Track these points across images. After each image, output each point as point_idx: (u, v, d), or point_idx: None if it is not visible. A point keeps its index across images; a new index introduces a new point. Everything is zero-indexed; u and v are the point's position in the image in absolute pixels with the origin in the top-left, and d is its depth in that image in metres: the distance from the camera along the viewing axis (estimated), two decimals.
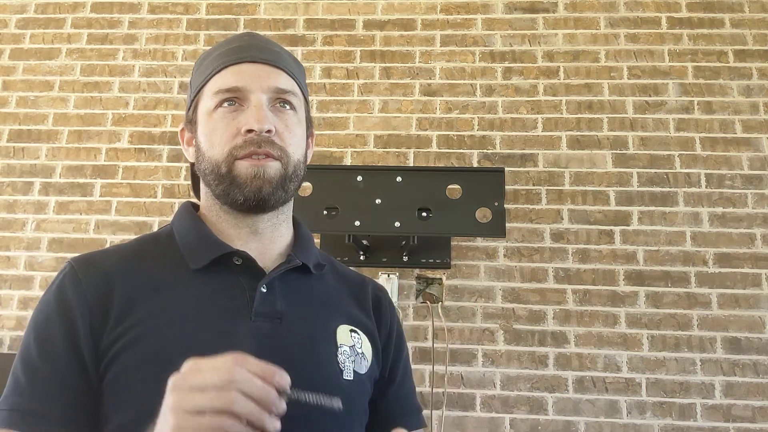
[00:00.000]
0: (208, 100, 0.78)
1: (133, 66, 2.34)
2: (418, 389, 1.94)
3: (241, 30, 2.35)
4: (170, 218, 0.86)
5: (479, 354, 1.99)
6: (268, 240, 0.80)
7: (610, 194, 2.10)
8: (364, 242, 2.03)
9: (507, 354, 1.98)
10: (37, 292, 2.09)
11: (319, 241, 2.05)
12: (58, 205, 2.20)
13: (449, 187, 1.85)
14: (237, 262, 0.76)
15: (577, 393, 1.93)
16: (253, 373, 0.53)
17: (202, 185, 0.82)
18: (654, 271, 2.03)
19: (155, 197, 2.19)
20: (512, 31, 2.29)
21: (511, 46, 2.28)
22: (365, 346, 0.80)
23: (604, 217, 2.09)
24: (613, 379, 1.94)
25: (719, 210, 2.07)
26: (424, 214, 1.83)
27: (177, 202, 2.17)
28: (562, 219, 2.09)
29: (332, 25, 2.34)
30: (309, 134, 0.86)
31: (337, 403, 0.59)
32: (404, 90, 2.25)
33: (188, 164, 2.22)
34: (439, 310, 2.02)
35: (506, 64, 2.25)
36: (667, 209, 2.08)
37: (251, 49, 0.79)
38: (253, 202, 0.75)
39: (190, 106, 0.82)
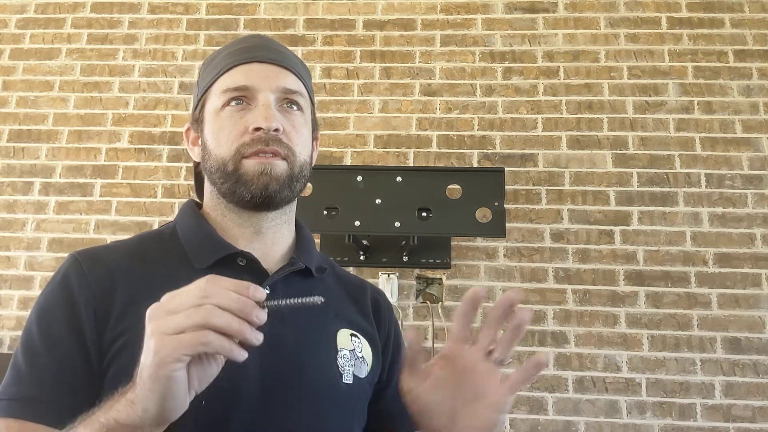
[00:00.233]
0: (215, 99, 0.78)
1: (133, 66, 2.34)
2: None
3: (241, 30, 2.36)
4: (170, 218, 0.86)
5: None
6: (271, 241, 0.80)
7: (610, 194, 2.11)
8: (364, 242, 2.03)
9: None
10: (37, 292, 2.09)
11: (319, 241, 2.05)
12: (58, 205, 2.20)
13: (449, 187, 1.85)
14: (241, 263, 0.76)
15: (577, 393, 1.94)
16: (227, 288, 0.54)
17: (207, 184, 0.82)
18: (654, 271, 2.03)
19: (155, 197, 2.19)
20: (512, 31, 2.29)
21: (511, 46, 2.28)
22: (365, 350, 0.80)
23: (604, 217, 2.09)
24: (613, 379, 1.94)
25: (719, 210, 2.07)
26: (424, 214, 1.83)
27: (177, 202, 2.17)
28: (562, 219, 2.09)
29: (332, 25, 2.34)
30: (314, 136, 0.86)
31: (318, 299, 0.59)
32: (404, 90, 2.25)
33: (189, 165, 2.22)
34: (439, 310, 2.02)
35: (506, 64, 2.25)
36: (667, 209, 2.08)
37: (260, 50, 0.80)
38: (259, 200, 0.75)
39: (197, 105, 0.83)
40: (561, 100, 2.20)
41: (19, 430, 0.64)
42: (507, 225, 2.02)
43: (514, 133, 2.18)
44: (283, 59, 0.80)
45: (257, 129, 0.74)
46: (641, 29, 2.26)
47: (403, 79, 2.26)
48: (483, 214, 1.83)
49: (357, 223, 1.82)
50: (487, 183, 1.84)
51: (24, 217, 2.19)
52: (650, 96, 2.19)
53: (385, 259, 2.05)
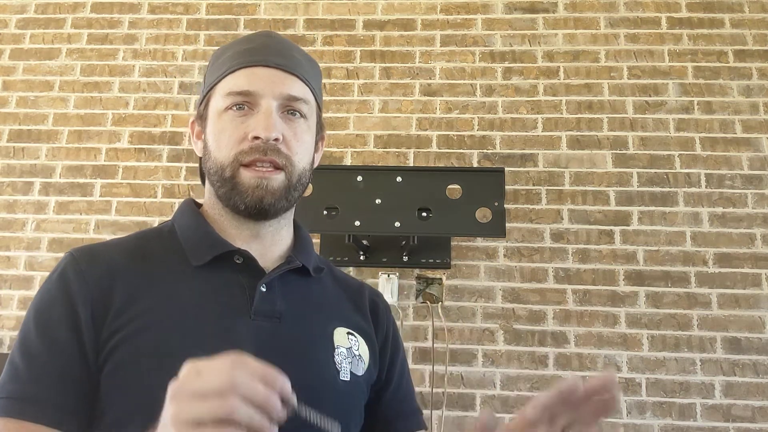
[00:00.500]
0: (219, 100, 0.78)
1: (133, 66, 2.34)
2: (418, 389, 1.94)
3: (241, 30, 2.36)
4: (170, 218, 0.86)
5: (479, 354, 1.99)
6: (269, 242, 0.81)
7: (610, 194, 2.11)
8: (364, 242, 2.03)
9: (507, 354, 1.98)
10: None
11: (319, 241, 2.05)
12: (58, 205, 2.20)
13: (449, 187, 1.85)
14: (238, 261, 0.76)
15: None
16: (254, 376, 0.51)
17: (207, 182, 0.82)
18: (654, 271, 2.03)
19: (155, 197, 2.19)
20: (512, 31, 2.29)
21: (511, 46, 2.28)
22: (362, 349, 0.81)
23: (604, 217, 2.09)
24: None
25: (719, 210, 2.07)
26: (424, 214, 1.83)
27: (177, 202, 2.17)
28: (562, 219, 2.09)
29: (332, 25, 2.34)
30: (319, 138, 0.86)
31: (336, 429, 0.56)
32: (404, 90, 2.25)
33: (189, 165, 2.22)
34: (439, 310, 2.02)
35: (506, 64, 2.25)
36: (667, 209, 2.08)
37: (267, 53, 0.79)
38: (254, 211, 0.75)
39: (202, 101, 0.82)
40: (561, 100, 2.20)
41: (16, 430, 0.64)
42: (507, 225, 2.02)
43: (514, 133, 2.18)
44: (290, 63, 0.79)
45: (256, 138, 0.74)
46: (641, 29, 2.26)
47: (403, 79, 2.26)
48: (483, 214, 1.83)
49: (357, 223, 1.82)
50: (487, 183, 1.84)
51: (24, 217, 2.19)
52: (650, 96, 2.19)
53: (385, 259, 2.05)
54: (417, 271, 2.06)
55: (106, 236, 2.14)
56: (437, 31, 2.31)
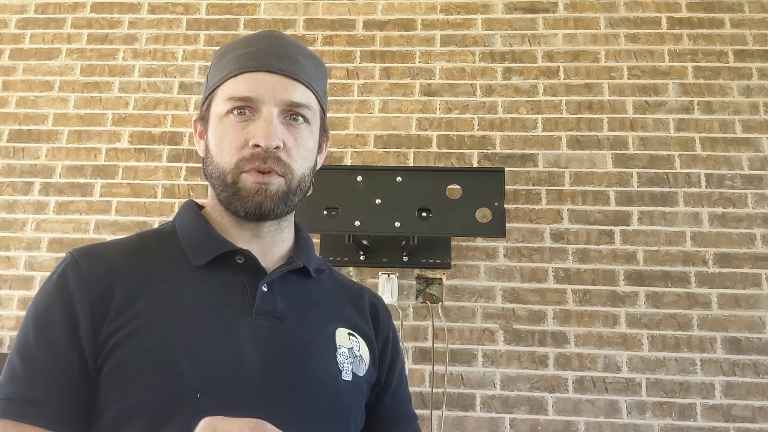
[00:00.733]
0: (220, 104, 0.78)
1: (133, 66, 2.34)
2: (418, 389, 1.95)
3: (241, 30, 2.36)
4: (170, 218, 0.86)
5: (479, 354, 1.99)
6: (270, 243, 0.81)
7: (610, 194, 2.11)
8: (364, 242, 2.03)
9: (507, 354, 1.98)
10: None
11: (319, 241, 2.05)
12: (58, 205, 2.20)
13: (449, 187, 1.85)
14: (239, 261, 0.76)
15: (577, 393, 1.94)
16: None
17: (209, 185, 0.82)
18: (654, 271, 2.03)
19: (155, 197, 2.19)
20: (512, 31, 2.29)
21: (511, 46, 2.28)
22: (363, 350, 0.81)
23: (604, 217, 2.09)
24: (613, 379, 1.94)
25: (719, 210, 2.07)
26: (424, 214, 1.83)
27: (177, 203, 2.17)
28: (562, 219, 2.09)
29: (332, 25, 2.34)
30: (323, 141, 0.86)
31: None
32: (404, 90, 2.25)
33: (189, 165, 2.22)
34: (439, 310, 2.02)
35: (506, 64, 2.25)
36: (667, 209, 2.08)
37: (270, 57, 0.78)
38: (253, 216, 0.76)
39: (204, 101, 0.83)
40: (561, 100, 2.20)
41: None
42: (507, 225, 2.02)
43: (514, 133, 2.18)
44: (293, 68, 0.79)
45: (256, 146, 0.74)
46: (641, 29, 2.26)
47: (403, 79, 2.26)
48: (483, 214, 1.83)
49: (357, 223, 1.82)
50: (487, 183, 1.84)
51: (24, 217, 2.19)
52: (650, 96, 2.19)
53: (385, 259, 2.05)
54: (417, 271, 2.06)
55: (106, 236, 2.14)
56: (437, 31, 2.31)
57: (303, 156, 0.78)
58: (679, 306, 1.99)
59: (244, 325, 0.72)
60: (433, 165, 2.16)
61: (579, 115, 2.19)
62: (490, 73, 2.25)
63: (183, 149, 2.24)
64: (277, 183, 0.75)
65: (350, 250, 2.03)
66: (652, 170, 2.12)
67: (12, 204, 2.20)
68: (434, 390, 1.94)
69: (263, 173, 0.74)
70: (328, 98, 2.25)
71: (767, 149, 2.11)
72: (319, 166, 0.86)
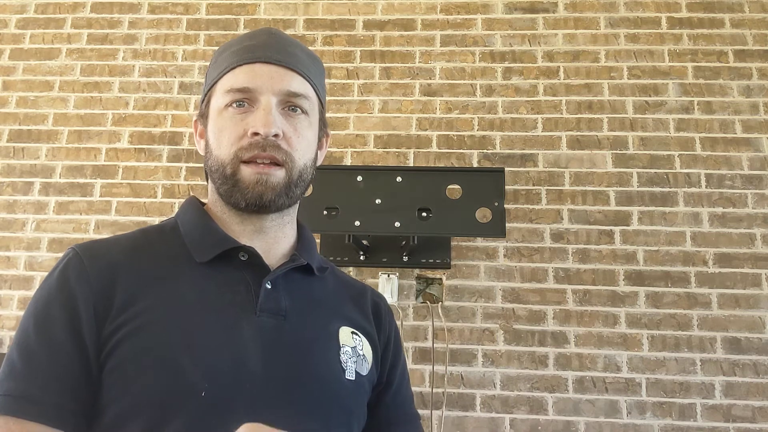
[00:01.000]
0: (219, 98, 0.78)
1: (133, 66, 2.34)
2: (418, 389, 1.95)
3: (241, 30, 2.36)
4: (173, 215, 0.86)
5: (479, 354, 1.99)
6: (273, 239, 0.80)
7: (610, 194, 2.11)
8: (364, 242, 2.03)
9: (507, 354, 1.98)
10: None
11: (319, 241, 2.05)
12: (58, 205, 2.20)
13: (449, 187, 1.85)
14: (243, 258, 0.76)
15: (577, 393, 1.94)
16: None
17: (209, 180, 0.82)
18: (654, 271, 2.03)
19: (155, 197, 2.19)
20: (512, 31, 2.29)
21: (511, 46, 2.28)
22: (366, 349, 0.81)
23: (604, 217, 2.09)
24: (613, 379, 1.94)
25: (719, 210, 2.07)
26: (424, 214, 1.83)
27: (177, 203, 2.17)
28: (562, 219, 2.09)
29: (332, 25, 2.34)
30: (322, 135, 0.85)
31: None
32: (404, 90, 2.25)
33: (189, 165, 2.22)
34: (439, 310, 2.02)
35: (506, 64, 2.25)
36: (667, 209, 2.08)
37: (267, 49, 0.79)
38: (254, 207, 0.75)
39: (204, 99, 0.82)
40: (561, 100, 2.20)
41: (11, 429, 0.63)
42: (507, 225, 2.02)
43: (514, 133, 2.18)
44: (290, 59, 0.79)
45: (256, 134, 0.74)
46: (641, 29, 2.26)
47: (403, 79, 2.26)
48: (483, 214, 1.83)
49: (357, 223, 1.82)
50: (487, 183, 1.84)
51: (24, 217, 2.19)
52: (650, 96, 2.19)
53: (385, 259, 2.05)
54: (417, 271, 2.06)
55: (106, 236, 2.14)
56: (437, 31, 2.31)
57: (303, 146, 0.78)
58: (679, 306, 1.99)
59: (248, 323, 0.71)
60: (433, 165, 2.16)
61: (579, 115, 2.19)
62: (490, 73, 2.25)
63: (183, 149, 2.24)
64: (277, 174, 0.75)
65: (350, 250, 2.03)
66: (652, 170, 2.12)
67: (12, 204, 2.20)
68: (434, 390, 1.94)
69: (264, 164, 0.74)
70: (328, 98, 2.25)
71: (767, 149, 2.11)
72: (319, 162, 0.86)
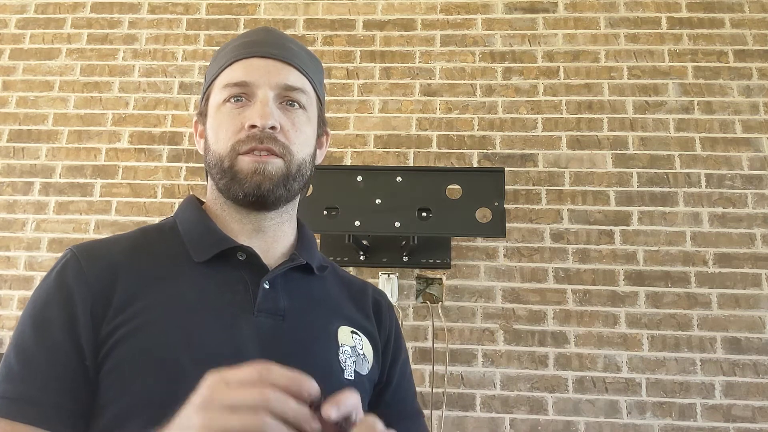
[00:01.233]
0: (217, 94, 0.78)
1: (133, 66, 2.34)
2: (418, 389, 1.94)
3: (241, 30, 2.35)
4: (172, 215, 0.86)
5: (479, 354, 1.99)
6: (272, 238, 0.80)
7: (610, 194, 2.10)
8: (364, 242, 2.03)
9: (507, 354, 1.98)
10: None
11: (319, 241, 2.05)
12: (58, 205, 2.20)
13: (449, 187, 1.85)
14: (241, 258, 0.76)
15: (577, 393, 1.93)
16: (284, 387, 0.49)
17: (209, 177, 0.82)
18: (654, 271, 2.03)
19: (155, 197, 2.19)
20: (512, 31, 2.29)
21: (511, 46, 2.28)
22: (366, 348, 0.80)
23: (604, 217, 2.09)
24: (613, 379, 1.94)
25: (719, 210, 2.07)
26: (424, 214, 1.83)
27: (177, 203, 2.17)
28: (562, 219, 2.09)
29: (332, 25, 2.34)
30: (322, 133, 0.85)
31: None
32: (404, 90, 2.25)
33: (189, 165, 2.22)
34: (439, 310, 2.02)
35: (506, 64, 2.25)
36: (667, 209, 2.08)
37: (264, 45, 0.79)
38: (252, 198, 0.74)
39: (203, 98, 0.83)
40: (561, 100, 2.20)
41: (7, 431, 0.63)
42: (507, 225, 2.02)
43: (514, 133, 2.18)
44: (288, 54, 0.79)
45: (253, 126, 0.74)
46: (641, 29, 2.26)
47: (403, 79, 2.26)
48: (483, 214, 1.83)
49: (357, 223, 1.82)
50: (487, 183, 1.84)
51: (24, 217, 2.19)
52: (650, 96, 2.19)
53: (385, 259, 2.05)
54: (417, 271, 2.06)
55: (106, 236, 2.14)
56: (437, 31, 2.31)
57: (301, 140, 0.78)
58: (679, 306, 1.99)
59: (246, 323, 0.71)
60: (433, 165, 2.16)
61: (579, 115, 2.19)
62: (490, 73, 2.25)
63: (183, 149, 2.24)
64: (275, 164, 0.74)
65: (350, 250, 2.03)
66: (652, 170, 2.12)
67: (12, 204, 2.20)
68: (434, 390, 1.94)
69: (260, 154, 0.73)
70: (328, 98, 2.25)
71: (767, 149, 2.11)
72: (319, 161, 0.85)
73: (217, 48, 0.86)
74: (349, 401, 0.52)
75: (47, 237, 2.16)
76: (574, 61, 2.24)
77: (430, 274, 2.06)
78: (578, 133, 2.17)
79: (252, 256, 0.76)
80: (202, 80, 2.35)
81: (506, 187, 2.08)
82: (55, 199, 2.20)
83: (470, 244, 2.08)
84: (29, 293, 2.09)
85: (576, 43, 2.26)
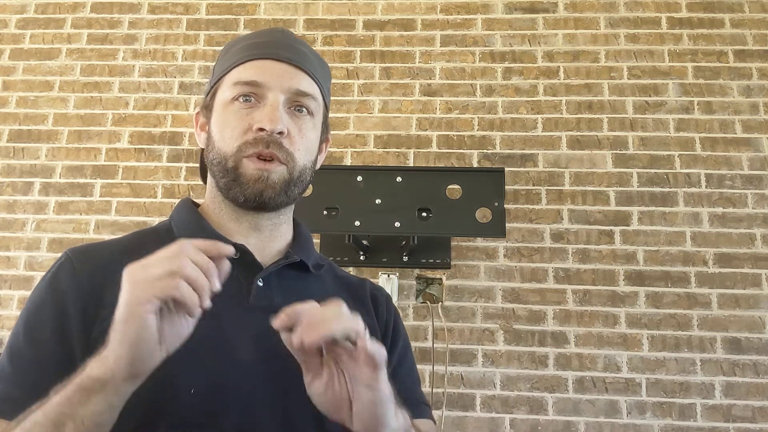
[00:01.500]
0: (226, 90, 0.78)
1: (133, 66, 2.34)
2: None
3: (241, 30, 2.36)
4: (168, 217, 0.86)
5: (479, 354, 1.99)
6: (268, 237, 0.80)
7: (610, 194, 2.10)
8: (364, 242, 2.03)
9: (507, 354, 1.98)
10: None
11: (318, 241, 2.05)
12: (58, 205, 2.20)
13: (449, 187, 1.85)
14: (235, 256, 0.76)
15: (577, 393, 1.93)
16: (198, 247, 0.58)
17: (209, 174, 0.82)
18: (654, 271, 2.03)
19: (155, 197, 2.19)
20: (512, 31, 2.29)
21: (511, 46, 2.28)
22: None
23: (604, 217, 2.09)
24: (613, 379, 1.94)
25: (719, 210, 2.07)
26: (424, 214, 1.83)
27: (177, 203, 2.17)
28: (562, 219, 2.09)
29: (332, 25, 2.34)
30: (324, 139, 0.85)
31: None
32: (404, 90, 2.25)
33: (189, 165, 2.22)
34: (439, 310, 2.02)
35: (506, 64, 2.25)
36: (667, 209, 2.08)
37: (279, 47, 0.79)
38: (252, 203, 0.75)
39: (209, 92, 0.82)
40: (561, 100, 2.20)
41: None
42: (507, 225, 2.01)
43: (514, 133, 2.18)
44: (301, 59, 0.79)
45: (261, 129, 0.74)
46: (641, 29, 2.26)
47: (403, 79, 2.26)
48: (483, 214, 1.83)
49: (357, 223, 1.82)
50: (487, 183, 1.84)
51: (24, 217, 2.19)
52: (650, 96, 2.19)
53: (385, 259, 2.05)
54: (417, 271, 2.06)
55: (106, 236, 2.14)
56: (437, 31, 2.31)
57: (306, 147, 0.78)
58: (679, 306, 1.99)
59: (240, 320, 0.71)
60: (433, 165, 2.16)
61: (579, 115, 2.19)
62: (490, 73, 2.25)
63: (183, 149, 2.24)
64: (279, 172, 0.75)
65: (350, 250, 2.03)
66: (652, 170, 2.12)
67: (12, 204, 2.20)
68: (434, 390, 1.94)
69: (265, 160, 0.74)
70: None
71: (767, 149, 2.11)
72: (318, 166, 0.86)
73: (218, 48, 0.86)
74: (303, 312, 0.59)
75: (47, 237, 2.16)
76: (574, 61, 2.24)
77: (430, 274, 2.06)
78: (578, 133, 2.17)
79: (246, 254, 0.76)
80: (202, 80, 2.35)
81: (506, 187, 2.08)
82: (55, 199, 2.20)
83: (470, 244, 2.08)
84: (29, 293, 2.09)
85: (576, 43, 2.26)
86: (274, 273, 0.77)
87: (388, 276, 2.03)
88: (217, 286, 0.58)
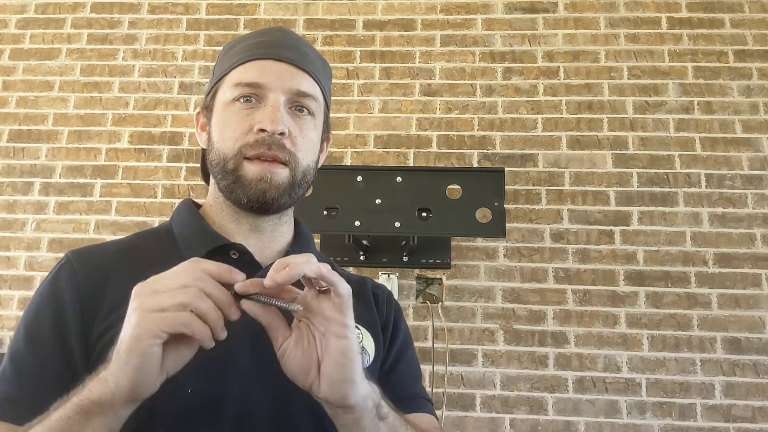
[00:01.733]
0: (227, 91, 0.78)
1: (133, 66, 2.34)
2: None
3: (241, 30, 2.35)
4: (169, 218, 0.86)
5: (479, 354, 1.99)
6: (269, 238, 0.80)
7: (610, 194, 2.10)
8: (364, 242, 2.03)
9: (507, 354, 1.98)
10: None
11: (319, 241, 2.05)
12: (58, 205, 2.20)
13: (449, 187, 1.85)
14: (234, 256, 0.76)
15: (577, 393, 1.93)
16: (210, 272, 0.57)
17: (210, 174, 0.82)
18: (654, 271, 2.03)
19: (155, 197, 2.19)
20: (512, 31, 2.29)
21: (511, 46, 2.28)
22: (366, 341, 0.80)
23: (604, 217, 2.09)
24: (613, 379, 1.94)
25: (719, 210, 2.07)
26: (424, 214, 1.83)
27: (177, 203, 2.16)
28: (562, 219, 2.09)
29: (332, 25, 2.34)
30: (324, 139, 0.85)
31: (297, 307, 0.60)
32: (404, 90, 2.25)
33: (189, 165, 2.22)
34: (439, 310, 2.02)
35: (506, 64, 2.25)
36: (667, 209, 2.08)
37: (280, 47, 0.78)
38: (255, 205, 0.75)
39: (209, 91, 0.82)
40: (561, 100, 2.20)
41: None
42: (507, 225, 2.02)
43: (514, 133, 2.18)
44: (302, 59, 0.79)
45: (262, 130, 0.73)
46: (641, 29, 2.26)
47: (403, 79, 2.26)
48: (483, 214, 1.83)
49: (357, 223, 1.82)
50: (487, 183, 1.84)
51: (24, 217, 2.19)
52: (650, 96, 2.19)
53: (385, 259, 2.05)
54: (417, 271, 2.06)
55: (106, 236, 2.14)
56: (437, 31, 2.31)
57: (307, 147, 0.78)
58: (679, 306, 1.99)
59: (238, 321, 0.71)
60: (433, 165, 2.16)
61: (579, 115, 2.19)
62: (490, 73, 2.25)
63: (183, 149, 2.24)
64: (281, 173, 0.74)
65: (350, 250, 2.03)
66: (652, 170, 2.12)
67: (12, 204, 2.20)
68: (434, 390, 1.94)
69: (267, 161, 0.73)
70: None
71: (767, 149, 2.11)
72: (319, 165, 0.86)
73: (218, 48, 0.85)
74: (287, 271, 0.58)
75: (47, 237, 2.16)
76: (574, 61, 2.24)
77: (430, 274, 2.06)
78: (578, 133, 2.17)
79: (245, 254, 0.76)
80: (202, 80, 2.36)
81: (506, 187, 2.08)
82: (55, 199, 2.20)
83: (470, 244, 2.08)
84: (29, 293, 2.10)
85: (576, 43, 2.26)
86: None
87: (388, 276, 2.03)
88: (234, 316, 0.57)
